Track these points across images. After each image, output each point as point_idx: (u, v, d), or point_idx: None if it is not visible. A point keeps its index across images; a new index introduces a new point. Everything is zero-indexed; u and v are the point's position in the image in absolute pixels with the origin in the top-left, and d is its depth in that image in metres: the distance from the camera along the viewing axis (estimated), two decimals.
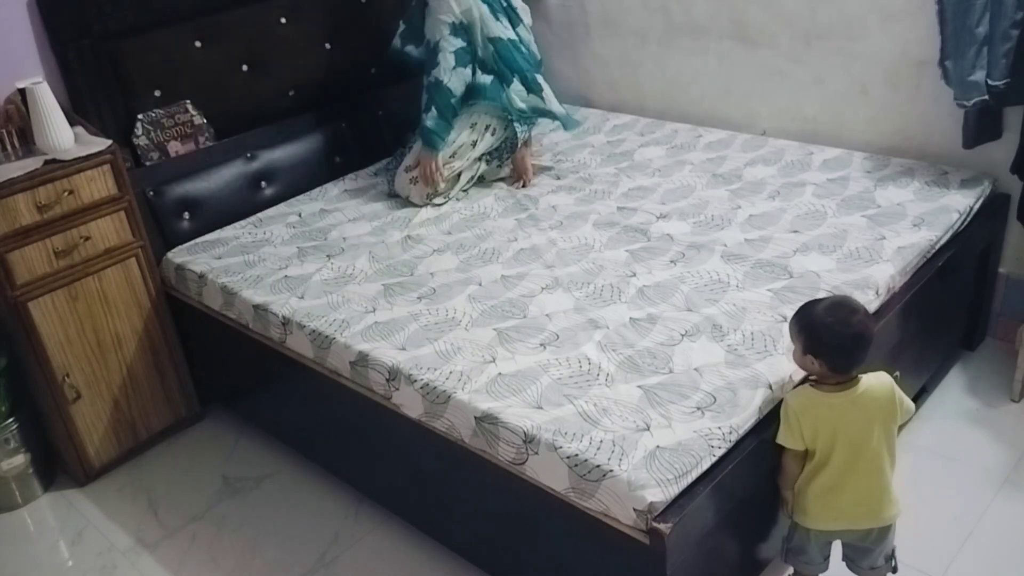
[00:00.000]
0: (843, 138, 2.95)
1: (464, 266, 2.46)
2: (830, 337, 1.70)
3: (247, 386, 2.84)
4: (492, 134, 2.96)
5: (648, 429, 1.72)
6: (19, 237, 2.40)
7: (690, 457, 1.65)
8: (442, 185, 2.89)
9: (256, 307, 2.44)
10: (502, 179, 3.04)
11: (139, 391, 2.77)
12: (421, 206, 2.88)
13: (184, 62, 2.87)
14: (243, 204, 2.99)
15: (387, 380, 2.06)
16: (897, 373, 1.86)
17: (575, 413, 1.79)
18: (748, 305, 2.10)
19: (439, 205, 2.89)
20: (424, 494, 2.25)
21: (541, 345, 2.04)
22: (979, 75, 2.37)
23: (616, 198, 2.76)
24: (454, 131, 2.91)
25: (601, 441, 1.69)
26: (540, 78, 2.98)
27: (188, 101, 2.89)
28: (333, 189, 3.11)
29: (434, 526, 2.30)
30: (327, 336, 2.21)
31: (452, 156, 2.91)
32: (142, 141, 2.80)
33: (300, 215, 2.94)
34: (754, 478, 1.80)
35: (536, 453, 1.75)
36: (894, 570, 1.88)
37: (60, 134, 2.45)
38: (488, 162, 3.01)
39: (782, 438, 1.77)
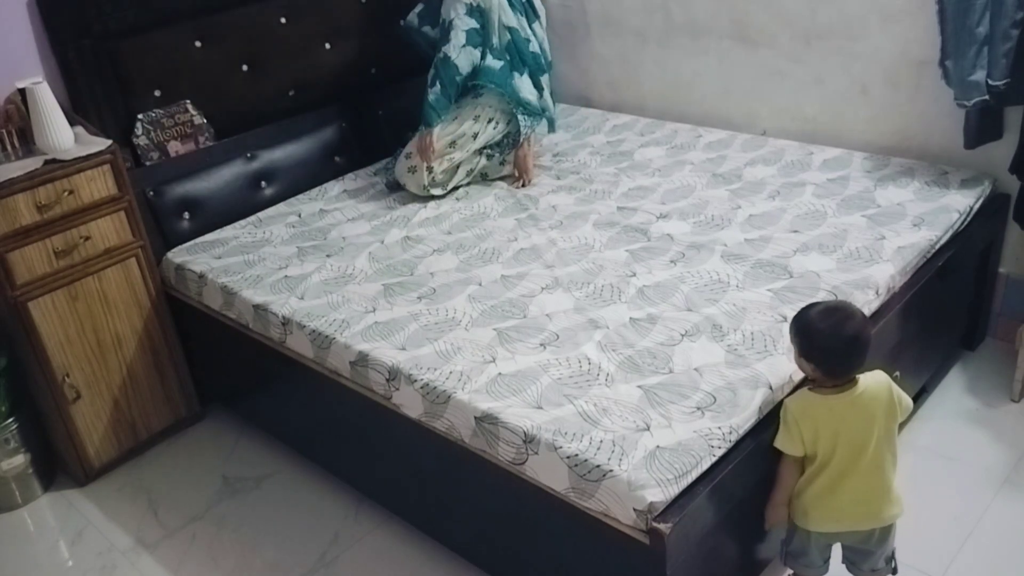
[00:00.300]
0: (843, 138, 2.95)
1: (464, 266, 2.46)
2: (823, 343, 1.70)
3: (247, 386, 2.84)
4: (494, 127, 2.97)
5: (648, 429, 1.72)
6: (19, 237, 2.40)
7: (690, 457, 1.65)
8: (435, 164, 2.89)
9: (256, 307, 2.44)
10: (503, 178, 3.04)
11: (139, 391, 2.77)
12: (418, 195, 2.88)
13: (184, 62, 2.87)
14: (243, 204, 2.99)
15: (387, 380, 2.06)
16: (897, 373, 1.86)
17: (575, 413, 1.79)
18: (748, 305, 2.10)
19: (438, 197, 2.89)
20: (424, 494, 2.24)
21: (541, 345, 2.04)
22: (979, 75, 2.37)
23: (616, 198, 2.76)
24: (456, 121, 2.92)
25: (601, 441, 1.69)
26: (545, 80, 2.99)
27: (188, 101, 2.89)
28: (333, 189, 3.11)
29: (434, 526, 2.30)
30: (327, 336, 2.22)
31: (452, 146, 2.92)
32: (142, 141, 2.80)
33: (300, 215, 2.94)
34: (754, 478, 1.80)
35: (536, 453, 1.75)
36: (894, 571, 1.87)
37: (60, 134, 2.45)
38: (489, 157, 3.01)
39: (780, 442, 1.76)
